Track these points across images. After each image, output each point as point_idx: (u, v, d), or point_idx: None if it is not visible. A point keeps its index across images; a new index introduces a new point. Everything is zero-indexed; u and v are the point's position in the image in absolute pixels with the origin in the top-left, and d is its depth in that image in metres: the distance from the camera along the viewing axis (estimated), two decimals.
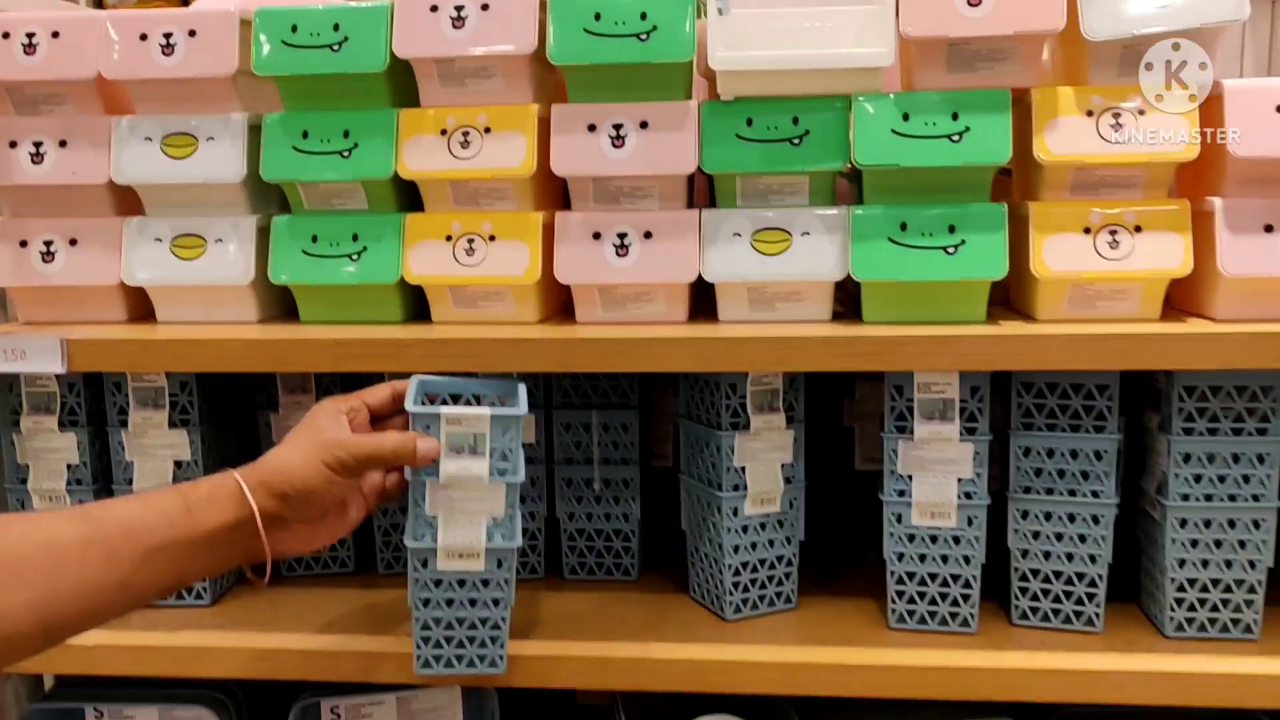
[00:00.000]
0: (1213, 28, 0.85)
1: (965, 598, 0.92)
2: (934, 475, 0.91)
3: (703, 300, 0.97)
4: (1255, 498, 0.87)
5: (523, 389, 0.87)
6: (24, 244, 1.00)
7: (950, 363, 0.85)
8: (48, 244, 1.00)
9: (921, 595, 0.93)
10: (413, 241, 0.95)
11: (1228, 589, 0.89)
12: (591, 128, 0.92)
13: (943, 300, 0.89)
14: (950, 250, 0.88)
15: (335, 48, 0.93)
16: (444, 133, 0.93)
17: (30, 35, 0.97)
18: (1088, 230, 0.87)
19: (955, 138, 0.87)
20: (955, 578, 0.92)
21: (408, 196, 0.99)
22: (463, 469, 0.83)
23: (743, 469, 0.94)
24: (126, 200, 1.00)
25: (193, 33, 0.95)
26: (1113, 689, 0.86)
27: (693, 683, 0.90)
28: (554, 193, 1.00)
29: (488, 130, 0.93)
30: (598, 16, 0.90)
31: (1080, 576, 0.91)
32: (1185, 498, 0.88)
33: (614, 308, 0.94)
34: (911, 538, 0.92)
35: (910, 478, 0.91)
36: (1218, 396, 0.87)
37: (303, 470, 0.77)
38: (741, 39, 0.87)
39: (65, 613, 0.67)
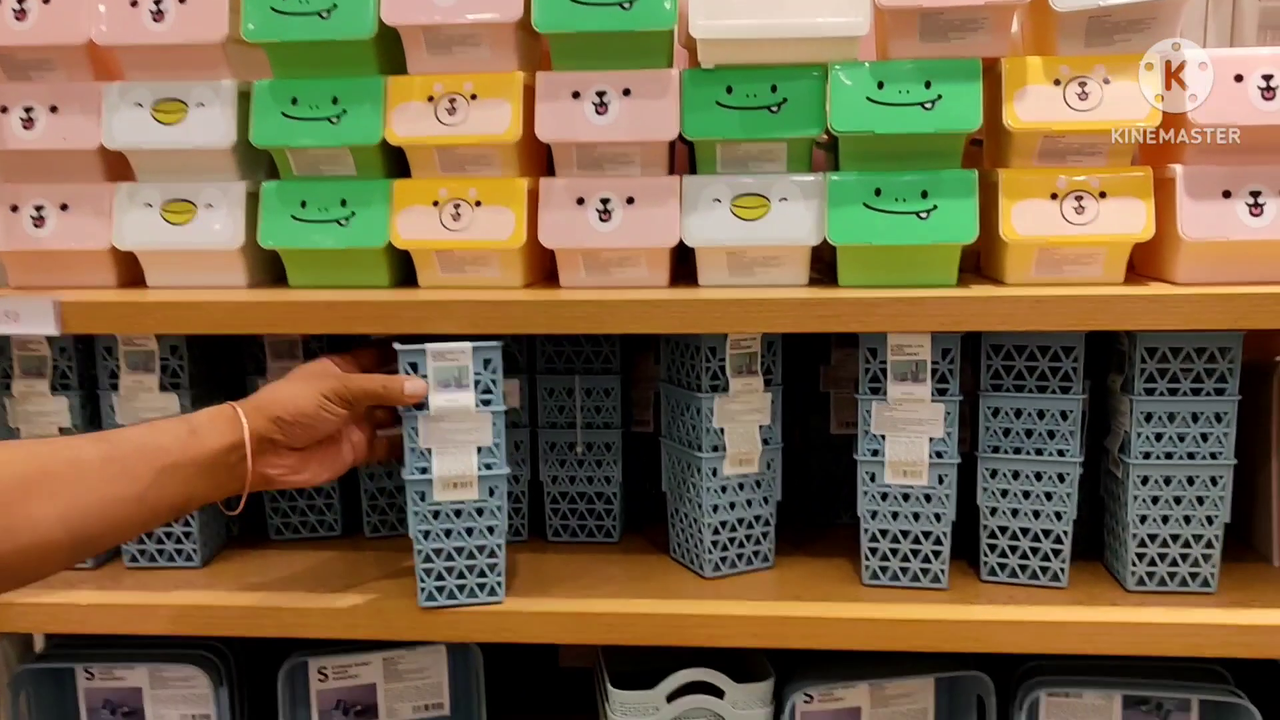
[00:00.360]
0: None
1: (936, 554, 0.95)
2: (906, 435, 0.93)
3: (683, 266, 0.99)
4: (1213, 455, 0.91)
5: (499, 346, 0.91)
6: (15, 209, 1.01)
7: (922, 324, 0.87)
8: (39, 209, 1.01)
9: (894, 552, 0.96)
10: (400, 207, 0.97)
11: (1187, 544, 0.92)
12: (575, 95, 0.94)
13: (915, 264, 0.92)
14: (923, 215, 0.91)
15: (324, 15, 0.94)
16: (431, 100, 0.95)
17: (21, 1, 0.98)
18: (1054, 196, 0.90)
19: (928, 105, 0.90)
20: (926, 535, 0.95)
21: (395, 162, 1.00)
22: (451, 400, 0.89)
23: (721, 431, 0.97)
24: (117, 166, 1.02)
25: None
26: (1078, 640, 0.89)
27: (674, 636, 0.92)
28: (539, 159, 1.02)
29: (474, 97, 0.95)
30: None
31: (1046, 533, 0.94)
32: (1147, 456, 0.91)
33: (597, 272, 0.97)
34: (884, 496, 0.95)
35: (883, 437, 0.94)
36: (1178, 358, 0.90)
37: (299, 397, 0.84)
38: (721, 8, 0.90)
39: (90, 524, 0.72)
